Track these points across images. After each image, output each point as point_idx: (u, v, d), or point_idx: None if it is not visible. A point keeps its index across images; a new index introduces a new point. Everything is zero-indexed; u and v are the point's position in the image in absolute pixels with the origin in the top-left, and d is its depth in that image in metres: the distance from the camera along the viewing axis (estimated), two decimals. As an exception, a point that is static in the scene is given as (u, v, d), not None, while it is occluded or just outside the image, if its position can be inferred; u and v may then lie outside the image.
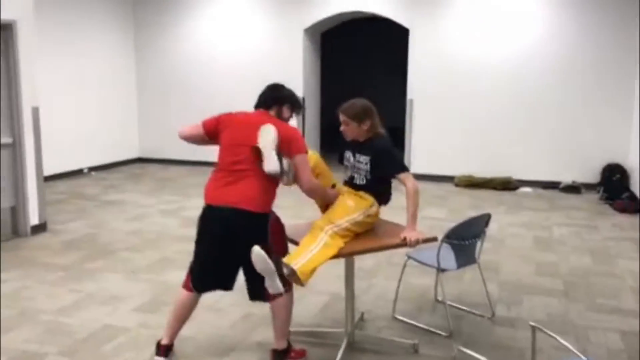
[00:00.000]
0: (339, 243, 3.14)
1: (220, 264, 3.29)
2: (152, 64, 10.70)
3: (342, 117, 3.54)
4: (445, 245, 3.69)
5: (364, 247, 3.27)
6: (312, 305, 4.24)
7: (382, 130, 3.58)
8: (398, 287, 4.08)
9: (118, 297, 4.35)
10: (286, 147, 3.17)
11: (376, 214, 3.47)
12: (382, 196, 3.53)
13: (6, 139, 5.80)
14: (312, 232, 3.17)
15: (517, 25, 8.67)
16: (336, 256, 3.14)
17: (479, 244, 3.95)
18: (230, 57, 10.19)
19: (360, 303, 4.17)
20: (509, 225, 6.57)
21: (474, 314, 4.07)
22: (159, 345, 3.34)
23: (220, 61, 10.26)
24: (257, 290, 3.25)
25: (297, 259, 3.03)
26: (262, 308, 4.06)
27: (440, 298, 4.30)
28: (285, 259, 3.06)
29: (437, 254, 3.67)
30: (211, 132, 3.44)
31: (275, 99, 3.46)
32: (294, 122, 3.66)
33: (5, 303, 4.22)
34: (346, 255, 3.26)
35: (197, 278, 3.33)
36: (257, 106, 3.45)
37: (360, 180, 3.49)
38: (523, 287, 4.64)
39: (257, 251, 3.01)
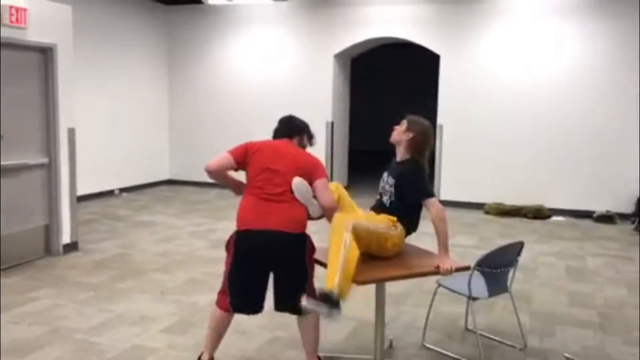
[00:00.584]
0: (356, 247, 3.09)
1: (259, 287, 3.32)
2: (185, 88, 10.90)
3: (403, 121, 3.68)
4: (476, 273, 3.63)
5: (396, 273, 3.25)
6: (339, 330, 4.20)
7: (420, 158, 3.61)
8: (428, 315, 4.03)
9: (147, 318, 4.37)
10: (310, 173, 3.32)
11: (398, 237, 3.40)
12: (407, 221, 3.49)
13: (42, 159, 5.94)
14: (336, 234, 3.09)
15: (549, 51, 8.62)
16: (366, 282, 3.12)
17: (511, 272, 3.88)
18: (261, 83, 10.33)
19: (389, 330, 4.12)
20: (541, 254, 6.45)
21: (505, 344, 3.98)
22: None
23: (250, 87, 10.40)
24: (285, 300, 3.29)
25: (333, 278, 2.98)
26: (289, 331, 4.07)
27: (470, 327, 4.22)
28: (325, 286, 2.99)
29: (469, 282, 3.62)
30: (241, 160, 3.51)
31: (296, 129, 3.66)
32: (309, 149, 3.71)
33: (37, 320, 4.28)
34: (377, 281, 3.24)
35: (236, 301, 3.35)
36: (277, 136, 3.61)
37: (386, 201, 3.53)
38: (556, 317, 4.53)
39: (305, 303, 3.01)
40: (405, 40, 9.49)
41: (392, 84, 17.20)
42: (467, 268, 3.43)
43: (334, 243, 3.10)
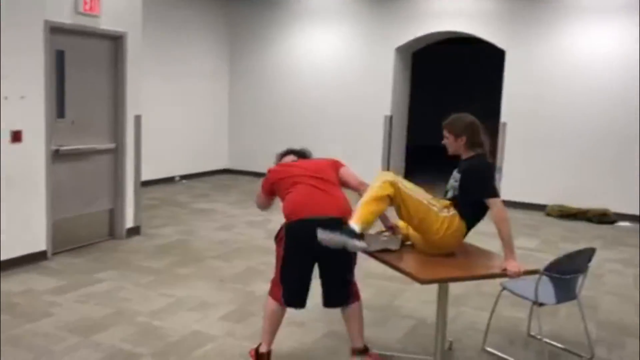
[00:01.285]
0: (388, 189, 3.16)
1: (307, 280, 3.38)
2: (245, 80, 11.01)
3: (444, 130, 3.59)
4: (544, 278, 3.51)
5: (461, 274, 3.18)
6: (397, 328, 4.16)
7: (483, 151, 3.51)
8: (490, 318, 3.92)
9: (206, 304, 4.44)
10: (334, 166, 3.67)
11: (448, 221, 3.27)
12: (467, 216, 3.36)
13: (109, 144, 6.11)
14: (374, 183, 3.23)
15: (619, 50, 8.25)
16: (431, 281, 3.07)
17: (580, 279, 3.73)
18: (320, 75, 10.31)
19: (448, 331, 4.02)
20: (606, 261, 6.20)
21: (571, 352, 3.84)
22: (258, 353, 3.46)
23: (310, 79, 10.40)
24: (334, 296, 3.41)
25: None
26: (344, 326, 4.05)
27: (533, 333, 4.10)
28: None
29: (536, 287, 3.50)
30: (270, 192, 3.71)
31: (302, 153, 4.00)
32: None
33: (102, 301, 4.41)
34: (442, 281, 3.17)
35: (292, 295, 3.39)
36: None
37: (450, 195, 3.47)
38: (624, 328, 4.34)
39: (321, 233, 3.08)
40: (469, 35, 9.28)
41: (453, 79, 16.90)
42: (535, 272, 3.32)
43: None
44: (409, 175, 10.62)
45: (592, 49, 8.40)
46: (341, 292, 3.38)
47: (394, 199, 3.20)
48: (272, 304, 3.47)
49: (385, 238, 3.42)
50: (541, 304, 3.59)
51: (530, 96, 8.80)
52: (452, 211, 3.34)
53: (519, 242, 6.83)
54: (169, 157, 9.81)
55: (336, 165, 3.70)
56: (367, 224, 3.13)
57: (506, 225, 3.30)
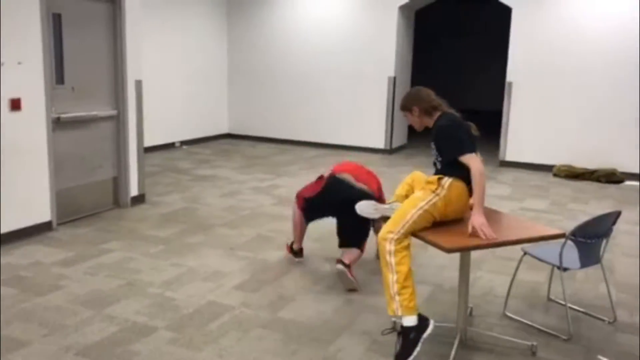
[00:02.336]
0: (406, 249, 3.10)
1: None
2: (244, 43, 10.74)
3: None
4: (568, 242, 3.42)
5: (484, 241, 3.06)
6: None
7: (445, 109, 3.45)
8: (511, 283, 3.86)
9: (219, 274, 4.36)
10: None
11: (445, 199, 3.17)
12: (458, 173, 3.22)
13: (111, 111, 5.93)
14: (381, 252, 3.14)
15: (629, 8, 8.03)
16: (455, 250, 2.97)
17: (603, 243, 3.65)
18: (322, 36, 10.06)
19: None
20: (618, 222, 6.10)
21: (593, 316, 3.79)
22: (292, 249, 4.64)
23: (310, 40, 10.15)
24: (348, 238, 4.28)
25: (391, 304, 3.10)
26: (363, 295, 3.99)
27: (553, 297, 4.04)
28: (390, 313, 3.15)
29: (561, 252, 3.42)
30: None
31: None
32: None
33: (112, 272, 4.32)
34: (467, 249, 3.08)
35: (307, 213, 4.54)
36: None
37: (438, 165, 3.38)
38: (643, 290, 4.29)
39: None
40: (475, -8, 9.03)
41: (458, 38, 16.59)
42: (561, 236, 3.24)
43: (382, 257, 3.14)
44: (411, 137, 10.48)
45: (602, 7, 8.18)
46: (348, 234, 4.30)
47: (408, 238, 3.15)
48: (295, 211, 4.55)
49: (387, 206, 3.68)
50: (565, 269, 3.51)
51: (537, 55, 8.61)
52: (446, 181, 3.21)
53: (527, 203, 6.81)
54: (168, 123, 9.62)
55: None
56: (411, 311, 3.10)
57: (483, 180, 3.16)
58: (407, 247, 3.12)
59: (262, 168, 8.36)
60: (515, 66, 8.76)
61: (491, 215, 3.53)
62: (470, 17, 15.95)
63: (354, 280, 4.08)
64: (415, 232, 3.13)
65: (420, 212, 3.13)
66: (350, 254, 4.18)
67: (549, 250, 3.59)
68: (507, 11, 8.81)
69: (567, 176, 8.31)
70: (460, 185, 3.22)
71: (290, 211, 6.04)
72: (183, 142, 9.97)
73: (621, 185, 7.98)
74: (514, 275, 3.84)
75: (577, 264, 3.52)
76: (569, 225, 5.93)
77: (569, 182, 8.07)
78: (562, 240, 3.37)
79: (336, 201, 4.23)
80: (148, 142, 8.90)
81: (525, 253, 3.72)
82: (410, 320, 3.08)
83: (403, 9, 9.56)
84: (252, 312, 3.74)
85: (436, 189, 3.21)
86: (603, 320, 3.73)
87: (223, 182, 7.38)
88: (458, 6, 14.66)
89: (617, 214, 3.61)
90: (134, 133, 6.13)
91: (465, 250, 3.07)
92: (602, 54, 8.25)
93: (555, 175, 8.42)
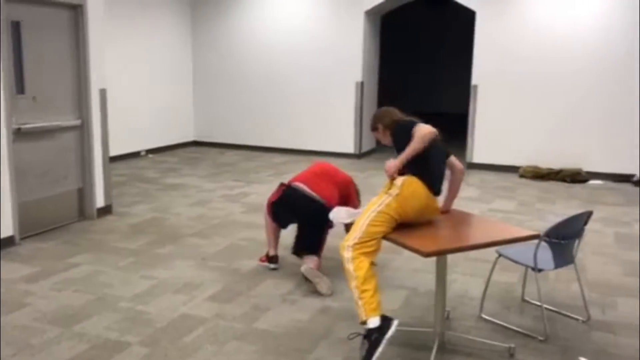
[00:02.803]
0: (365, 254, 3.12)
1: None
2: (209, 47, 10.63)
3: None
4: (542, 244, 3.44)
5: (460, 244, 3.06)
6: (391, 300, 4.06)
7: (399, 120, 3.52)
8: (486, 286, 3.87)
9: (191, 285, 4.26)
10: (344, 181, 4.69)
11: (401, 198, 3.16)
12: (416, 170, 3.25)
13: (75, 121, 5.77)
14: (342, 262, 3.18)
15: (592, 7, 8.22)
16: (435, 254, 2.96)
17: (576, 243, 3.69)
18: (287, 41, 10.02)
19: (442, 300, 3.97)
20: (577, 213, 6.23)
21: (567, 316, 3.82)
22: (269, 256, 4.59)
23: (277, 45, 10.10)
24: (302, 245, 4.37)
25: (360, 311, 3.11)
26: (339, 301, 3.95)
27: (527, 298, 4.07)
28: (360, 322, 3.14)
29: (535, 253, 3.44)
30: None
31: None
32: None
33: (81, 287, 4.18)
34: (445, 252, 3.07)
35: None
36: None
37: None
38: (614, 288, 4.36)
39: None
40: (439, -4, 9.12)
41: (424, 42, 16.76)
42: (535, 237, 3.26)
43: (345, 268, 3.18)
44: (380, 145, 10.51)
45: (565, 7, 8.35)
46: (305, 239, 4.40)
47: (377, 243, 3.17)
48: (266, 217, 4.57)
49: (359, 211, 3.72)
50: (540, 270, 3.54)
51: (502, 58, 8.74)
52: (399, 180, 3.23)
53: (496, 204, 6.88)
54: (133, 131, 9.44)
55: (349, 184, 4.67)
56: (374, 312, 3.09)
57: (428, 138, 3.19)
58: (365, 254, 3.13)
59: (231, 175, 8.27)
60: (480, 69, 8.88)
61: (465, 218, 3.56)
62: (435, 21, 16.14)
63: (321, 273, 4.15)
64: (375, 237, 3.12)
65: (374, 214, 3.15)
66: (310, 261, 4.22)
67: (523, 252, 3.62)
68: (471, 15, 8.92)
69: (534, 177, 8.44)
70: (414, 181, 3.23)
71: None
72: (149, 151, 9.79)
73: (586, 184, 8.14)
74: (489, 277, 3.86)
75: (552, 264, 3.55)
76: (539, 225, 6.06)
77: (535, 183, 8.19)
78: (536, 241, 3.40)
79: (291, 209, 4.40)
80: (113, 152, 8.73)
81: (499, 255, 3.74)
82: (373, 322, 3.06)
83: (369, 13, 9.59)
84: (227, 323, 3.67)
85: (389, 189, 3.23)
86: (577, 320, 3.77)
87: (192, 191, 7.26)
88: (423, 11, 14.79)
89: (589, 214, 3.65)
90: (99, 143, 5.99)
91: (442, 254, 3.06)
92: (566, 56, 8.42)
93: (521, 176, 8.54)
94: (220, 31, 10.50)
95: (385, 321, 3.08)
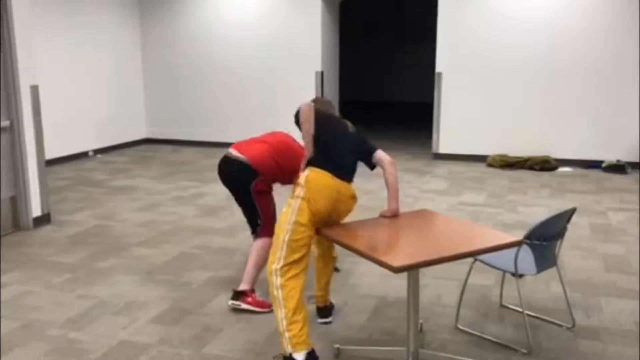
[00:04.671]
0: (295, 277, 2.94)
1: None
2: (160, 39, 10.02)
3: None
4: (523, 246, 3.09)
5: (435, 255, 2.67)
6: (358, 312, 3.67)
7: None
8: (462, 294, 3.50)
9: (134, 305, 3.79)
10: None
11: (309, 190, 2.97)
12: (311, 160, 3.10)
13: (3, 122, 5.20)
14: (269, 286, 3.00)
15: (556, -10, 7.96)
16: (407, 268, 2.56)
17: (558, 243, 3.36)
18: (242, 31, 9.50)
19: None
20: (558, 211, 5.95)
21: (550, 322, 3.49)
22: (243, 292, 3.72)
23: (232, 36, 9.57)
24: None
25: (284, 344, 2.90)
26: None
27: (505, 303, 3.73)
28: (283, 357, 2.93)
29: (515, 257, 3.08)
30: None
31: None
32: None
33: (5, 313, 3.66)
34: (418, 266, 2.65)
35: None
36: None
37: None
38: (596, 287, 4.05)
39: None
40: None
41: (384, 29, 16.38)
42: (517, 243, 2.89)
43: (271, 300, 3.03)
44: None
45: (527, -10, 8.07)
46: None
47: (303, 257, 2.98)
48: (264, 241, 3.67)
49: None
50: (521, 276, 3.19)
51: (466, 44, 8.41)
52: (301, 177, 3.05)
53: (465, 197, 6.56)
54: (79, 130, 8.83)
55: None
56: (302, 346, 2.89)
57: (303, 115, 3.16)
58: (296, 276, 2.94)
59: (186, 175, 7.75)
60: (444, 56, 8.54)
61: (438, 222, 3.18)
62: (396, 6, 15.79)
63: (252, 307, 3.65)
64: (301, 251, 2.93)
65: (291, 227, 2.95)
66: (248, 266, 3.73)
67: (502, 255, 3.24)
68: (434, 0, 8.56)
69: (502, 166, 8.16)
70: (315, 172, 3.03)
71: (217, 222, 5.53)
72: (97, 151, 9.18)
73: (555, 172, 7.90)
74: (464, 285, 3.49)
75: (534, 268, 3.20)
76: (511, 218, 5.75)
77: (504, 172, 7.91)
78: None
79: (222, 180, 3.95)
80: (57, 153, 8.19)
81: (475, 259, 3.37)
82: (299, 357, 2.86)
83: (327, 1, 9.15)
84: (173, 350, 3.21)
85: (294, 192, 3.03)
86: (561, 326, 3.44)
87: (141, 194, 6.73)
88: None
89: (572, 212, 3.31)
90: (32, 145, 5.42)
91: (416, 268, 2.66)
92: (532, 42, 8.14)
93: (489, 165, 8.26)
94: (171, 21, 9.91)
95: (311, 357, 2.88)
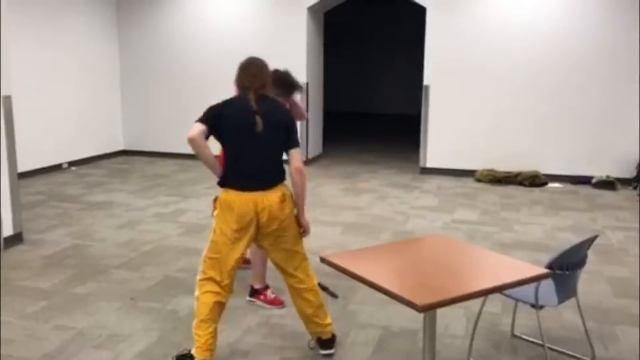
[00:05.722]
0: (214, 293, 3.03)
1: None
2: (138, 49, 9.68)
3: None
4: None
5: (456, 293, 2.40)
6: (361, 345, 3.41)
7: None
8: (475, 327, 3.27)
9: (117, 337, 3.46)
10: None
11: (220, 211, 3.05)
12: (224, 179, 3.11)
13: (-28, 135, 4.84)
14: None
15: (545, 5, 7.86)
16: (431, 307, 2.31)
17: (579, 273, 3.15)
18: (224, 39, 9.22)
19: (419, 340, 3.35)
20: (555, 230, 5.81)
21: (569, 355, 3.27)
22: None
23: (213, 44, 9.28)
24: None
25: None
26: (298, 351, 3.26)
27: (518, 333, 3.51)
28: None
29: (536, 289, 2.86)
30: None
31: None
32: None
33: (-27, 348, 3.32)
34: (436, 306, 2.36)
35: None
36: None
37: None
38: (608, 314, 3.86)
39: None
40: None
41: (370, 40, 16.24)
42: (546, 276, 2.66)
43: None
44: (327, 145, 9.93)
45: (518, 4, 7.96)
46: None
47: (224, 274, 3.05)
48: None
49: None
50: (541, 307, 2.97)
51: (454, 56, 8.27)
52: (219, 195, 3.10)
53: (458, 214, 6.37)
54: (52, 142, 8.42)
55: None
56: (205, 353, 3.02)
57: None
58: (209, 292, 3.03)
59: (165, 189, 7.40)
60: (431, 69, 8.37)
61: (461, 252, 2.93)
62: (382, 18, 15.66)
63: (265, 304, 3.86)
64: (221, 267, 3.01)
65: (209, 245, 3.09)
66: (252, 264, 3.99)
67: (524, 287, 3.03)
68: (421, 11, 8.41)
69: (490, 181, 8.00)
70: (224, 192, 3.05)
71: (201, 242, 5.21)
72: (72, 163, 8.77)
73: (545, 187, 7.77)
74: (478, 316, 3.26)
75: (555, 299, 2.99)
76: (507, 237, 5.56)
77: (493, 188, 7.75)
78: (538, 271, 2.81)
79: None
80: (29, 165, 7.77)
81: (491, 289, 3.14)
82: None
83: (312, 10, 8.94)
84: (163, 390, 2.91)
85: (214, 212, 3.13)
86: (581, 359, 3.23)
87: (120, 210, 6.38)
88: (370, 6, 14.28)
89: (592, 239, 3.11)
90: (4, 159, 5.05)
91: (442, 306, 2.39)
92: (521, 56, 8.02)
93: (478, 180, 8.09)
94: (150, 30, 9.58)
95: None
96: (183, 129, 9.84)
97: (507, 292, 3.05)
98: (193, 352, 2.99)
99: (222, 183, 3.06)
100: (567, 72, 7.90)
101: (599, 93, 7.84)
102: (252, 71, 3.17)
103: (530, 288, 2.89)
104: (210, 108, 3.06)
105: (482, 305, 3.23)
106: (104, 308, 3.89)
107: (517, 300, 3.04)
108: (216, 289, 3.00)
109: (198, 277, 3.07)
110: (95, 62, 9.29)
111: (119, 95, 9.83)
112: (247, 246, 3.07)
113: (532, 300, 2.92)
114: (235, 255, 3.00)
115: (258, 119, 2.99)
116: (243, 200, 2.96)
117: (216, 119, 2.99)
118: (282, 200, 3.02)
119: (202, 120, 2.98)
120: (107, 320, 3.71)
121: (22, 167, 7.44)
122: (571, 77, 7.90)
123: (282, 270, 3.18)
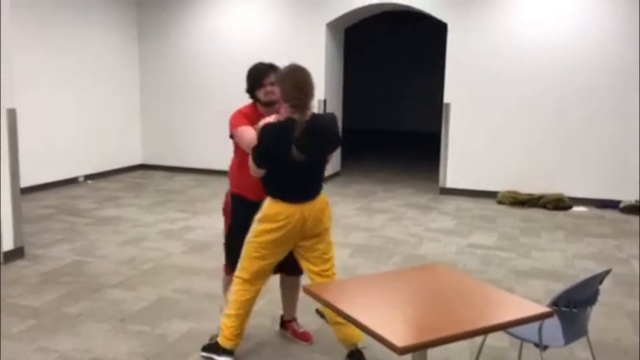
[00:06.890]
0: (241, 285, 3.17)
1: None
2: (159, 62, 9.68)
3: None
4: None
5: (443, 333, 2.17)
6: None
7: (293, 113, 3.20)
8: (476, 363, 3.02)
9: (99, 362, 3.32)
10: None
11: (266, 217, 3.08)
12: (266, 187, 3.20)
13: (-24, 147, 4.80)
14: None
15: (571, 20, 7.58)
16: (395, 350, 2.08)
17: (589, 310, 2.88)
18: (244, 55, 9.14)
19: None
20: (576, 258, 5.49)
21: (578, 401, 3.00)
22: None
23: (232, 60, 9.19)
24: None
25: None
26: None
27: (524, 372, 3.25)
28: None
29: (540, 328, 2.61)
30: None
31: None
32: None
33: (-51, 370, 3.20)
34: (418, 348, 2.14)
35: None
36: None
37: None
38: (627, 354, 3.57)
39: None
40: (407, 7, 8.39)
41: (390, 57, 16.08)
42: (548, 315, 2.42)
43: None
44: (345, 164, 9.75)
45: (541, 22, 7.69)
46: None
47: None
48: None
49: None
50: (545, 347, 2.71)
51: (475, 74, 8.02)
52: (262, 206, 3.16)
53: (475, 238, 6.09)
54: (70, 155, 8.43)
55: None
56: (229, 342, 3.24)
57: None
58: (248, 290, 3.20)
59: (176, 205, 7.30)
60: (452, 86, 8.14)
61: (456, 285, 2.70)
62: (402, 34, 15.51)
63: (293, 337, 3.69)
64: (260, 267, 3.14)
65: (246, 245, 3.18)
66: (294, 297, 3.71)
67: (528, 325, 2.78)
68: (442, 28, 8.20)
69: (512, 203, 7.70)
70: (271, 202, 3.11)
71: (205, 261, 5.12)
72: (89, 177, 8.76)
73: (569, 212, 7.43)
74: (478, 354, 3.01)
75: (561, 340, 2.73)
76: (524, 265, 5.26)
77: (515, 210, 7.44)
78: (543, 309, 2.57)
79: None
80: (44, 178, 7.79)
81: (492, 325, 2.89)
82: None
83: (331, 26, 8.81)
84: (136, 423, 2.74)
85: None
86: (592, 406, 2.95)
87: (127, 226, 6.28)
88: (391, 23, 14.14)
89: (605, 273, 2.84)
90: (6, 173, 5.00)
91: (425, 348, 2.17)
92: (542, 74, 7.74)
93: (499, 202, 7.79)
94: (171, 45, 9.58)
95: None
96: (202, 144, 9.87)
97: (511, 330, 2.80)
98: (219, 340, 3.22)
99: (272, 194, 3.10)
100: (591, 91, 7.58)
101: (629, 113, 7.49)
102: (303, 80, 3.24)
103: (534, 327, 2.65)
104: (260, 146, 3.09)
105: (482, 344, 2.99)
106: (92, 329, 3.75)
107: (519, 338, 2.79)
108: (250, 290, 3.19)
109: (236, 273, 3.20)
110: (116, 76, 9.32)
111: (139, 109, 9.84)
112: (284, 254, 3.17)
113: (536, 339, 2.67)
114: (272, 259, 3.15)
115: (308, 151, 3.01)
116: (291, 211, 3.04)
117: (269, 160, 3.06)
118: (326, 207, 3.20)
119: (257, 163, 3.09)
120: (92, 343, 3.56)
121: (37, 180, 7.51)
122: (595, 94, 7.57)
123: (311, 272, 3.20)
